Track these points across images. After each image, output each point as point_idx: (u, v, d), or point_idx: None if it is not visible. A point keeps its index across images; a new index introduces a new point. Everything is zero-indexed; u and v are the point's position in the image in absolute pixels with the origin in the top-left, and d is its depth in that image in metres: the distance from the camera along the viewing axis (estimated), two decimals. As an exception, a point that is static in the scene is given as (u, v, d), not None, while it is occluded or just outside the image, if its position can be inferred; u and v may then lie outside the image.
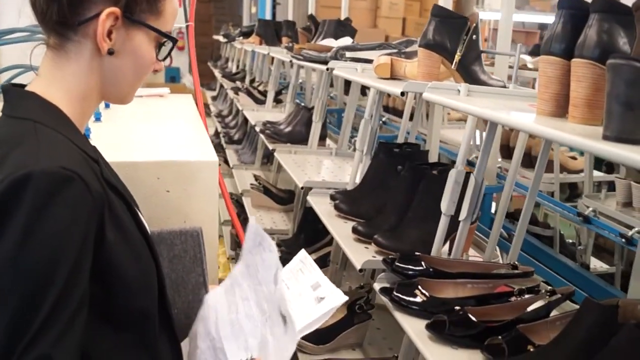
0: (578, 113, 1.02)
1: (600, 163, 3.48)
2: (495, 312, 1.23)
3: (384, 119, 4.65)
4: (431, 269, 1.46)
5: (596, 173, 3.18)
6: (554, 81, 1.10)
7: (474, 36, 1.77)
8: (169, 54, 1.14)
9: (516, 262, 1.50)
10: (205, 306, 1.30)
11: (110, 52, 1.04)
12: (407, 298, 1.35)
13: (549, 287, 1.32)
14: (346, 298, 1.22)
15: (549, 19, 9.41)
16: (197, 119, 2.66)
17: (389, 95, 4.73)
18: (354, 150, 3.14)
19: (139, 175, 1.77)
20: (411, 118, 2.51)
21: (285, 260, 2.64)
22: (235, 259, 3.75)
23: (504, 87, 1.77)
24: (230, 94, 5.05)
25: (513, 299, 1.29)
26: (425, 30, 1.80)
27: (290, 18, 6.26)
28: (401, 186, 1.89)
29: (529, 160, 3.58)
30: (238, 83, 5.25)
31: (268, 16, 7.29)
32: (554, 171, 3.14)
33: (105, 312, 0.99)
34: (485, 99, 1.41)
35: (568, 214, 2.97)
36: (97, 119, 2.19)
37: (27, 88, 1.06)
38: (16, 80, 2.10)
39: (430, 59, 1.77)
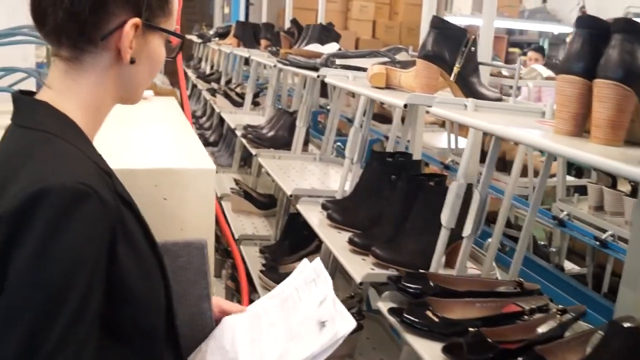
0: (601, 134, 1.02)
1: (570, 167, 3.57)
2: (509, 332, 1.22)
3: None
4: (438, 288, 1.44)
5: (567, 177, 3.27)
6: (573, 100, 1.09)
7: (473, 48, 1.77)
8: (180, 50, 1.16)
9: (521, 279, 1.50)
10: (221, 326, 1.27)
11: (132, 61, 1.03)
12: (419, 320, 1.33)
13: (560, 306, 1.32)
14: (354, 324, 1.13)
15: (517, 24, 9.53)
16: (185, 124, 2.62)
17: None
18: (337, 155, 3.15)
19: (136, 183, 1.73)
20: (389, 122, 2.51)
21: (270, 267, 2.63)
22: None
23: (501, 99, 1.78)
24: (207, 95, 4.99)
25: (525, 318, 1.29)
26: (424, 42, 1.79)
27: (264, 19, 6.22)
28: (397, 197, 1.87)
29: (502, 165, 3.64)
30: (214, 84, 5.19)
31: (242, 17, 7.23)
32: (527, 175, 3.19)
33: (113, 328, 0.96)
34: (492, 114, 1.40)
35: (543, 217, 3.06)
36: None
37: (36, 97, 1.03)
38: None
39: (429, 70, 1.77)
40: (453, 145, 3.97)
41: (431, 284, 1.46)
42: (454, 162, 3.83)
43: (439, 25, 1.78)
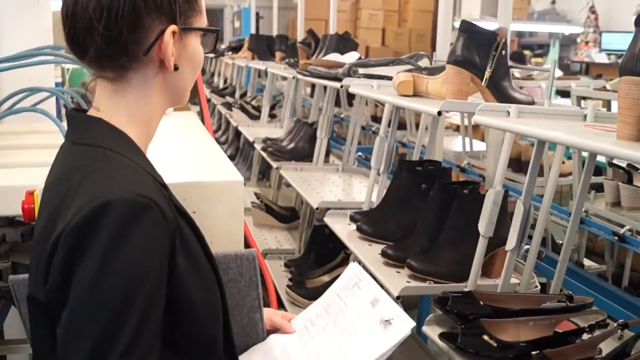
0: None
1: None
2: (571, 353, 1.17)
3: (373, 129, 4.61)
4: (489, 308, 1.38)
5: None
6: (640, 103, 1.04)
7: (503, 51, 1.73)
8: (216, 43, 1.12)
9: (570, 293, 1.44)
10: (268, 340, 1.27)
11: (176, 68, 1.02)
12: (476, 346, 1.27)
13: (620, 321, 1.26)
14: (414, 324, 1.14)
15: (528, 27, 9.47)
16: (207, 137, 2.60)
17: (376, 104, 4.70)
18: (359, 165, 3.11)
19: None
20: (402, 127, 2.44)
21: (297, 283, 2.58)
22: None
23: (533, 102, 1.73)
24: (222, 109, 4.97)
25: (585, 336, 1.23)
26: (453, 47, 1.75)
27: (274, 31, 6.22)
28: (429, 206, 1.83)
29: (518, 165, 3.60)
30: (229, 98, 5.17)
31: (252, 30, 7.23)
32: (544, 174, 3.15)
33: (172, 340, 0.96)
34: (536, 119, 1.36)
35: (562, 216, 3.07)
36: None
37: (91, 114, 1.04)
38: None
39: (460, 76, 1.72)
40: (468, 148, 3.94)
41: (481, 303, 1.40)
42: (470, 164, 3.80)
43: (468, 29, 1.74)
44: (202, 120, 2.67)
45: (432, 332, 1.41)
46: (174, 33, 1.00)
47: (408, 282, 1.67)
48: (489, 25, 1.85)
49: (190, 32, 1.04)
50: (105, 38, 0.96)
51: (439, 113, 1.58)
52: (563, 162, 3.38)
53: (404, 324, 1.14)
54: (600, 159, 2.81)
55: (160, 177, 1.03)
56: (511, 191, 2.84)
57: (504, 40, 1.73)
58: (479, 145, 4.08)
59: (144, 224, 0.88)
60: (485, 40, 1.73)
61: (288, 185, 3.23)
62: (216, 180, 1.93)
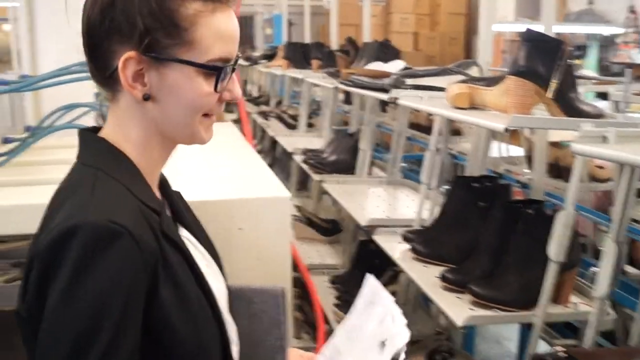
0: None
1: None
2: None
3: (408, 135, 4.48)
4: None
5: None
6: None
7: (570, 60, 1.62)
8: (218, 82, 0.97)
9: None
10: None
11: (146, 98, 0.95)
12: None
13: None
14: (408, 336, 1.08)
15: (566, 28, 9.30)
16: (249, 149, 2.55)
17: (412, 111, 4.57)
18: (403, 177, 3.01)
19: (211, 214, 1.75)
20: (428, 132, 2.32)
21: (345, 302, 2.49)
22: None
23: (602, 115, 1.62)
24: (258, 119, 4.91)
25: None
26: (515, 57, 1.64)
27: (307, 38, 6.14)
28: (490, 226, 1.72)
29: (557, 171, 3.45)
30: (264, 107, 5.11)
31: (284, 37, 7.16)
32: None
33: None
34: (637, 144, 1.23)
35: (604, 222, 2.89)
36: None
37: (100, 132, 1.02)
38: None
39: (523, 88, 1.61)
40: (504, 154, 3.80)
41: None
42: (507, 171, 3.66)
43: (531, 37, 1.63)
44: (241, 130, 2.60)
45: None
46: (139, 60, 0.93)
47: (472, 309, 1.56)
48: (526, 27, 1.73)
49: (169, 63, 0.94)
50: (87, 56, 0.98)
51: (506, 130, 1.48)
52: (602, 167, 3.25)
53: (396, 344, 1.07)
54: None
55: (156, 203, 0.99)
56: (551, 198, 2.73)
57: (570, 48, 1.62)
58: (515, 151, 3.94)
59: (112, 252, 0.85)
60: (550, 49, 1.61)
61: (325, 193, 3.14)
62: (262, 196, 1.89)
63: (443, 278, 1.69)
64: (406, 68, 2.58)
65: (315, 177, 3.00)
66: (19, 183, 1.95)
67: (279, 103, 5.14)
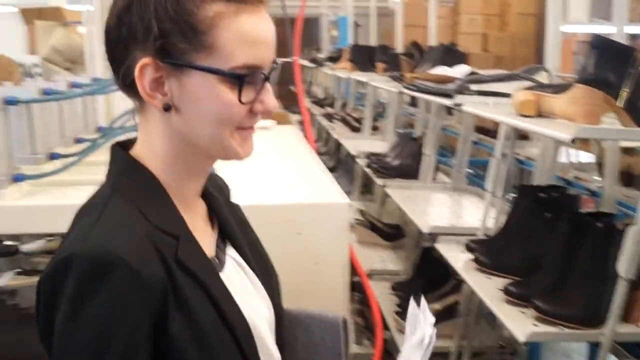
0: None
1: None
2: None
3: (474, 140, 4.39)
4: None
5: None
6: None
7: (641, 68, 1.55)
8: (253, 91, 0.89)
9: None
10: None
11: (166, 108, 0.88)
12: None
13: None
14: (433, 319, 1.05)
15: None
16: (310, 153, 2.55)
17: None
18: (469, 184, 2.95)
19: (270, 218, 1.80)
20: (495, 136, 2.27)
21: (404, 307, 2.46)
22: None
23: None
24: (322, 121, 4.92)
25: None
26: (583, 64, 1.59)
27: (372, 39, 6.10)
28: (557, 239, 1.67)
29: (628, 179, 3.30)
30: (328, 109, 5.12)
31: (350, 38, 7.15)
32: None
33: None
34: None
35: None
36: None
37: (132, 147, 0.96)
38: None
39: (591, 97, 1.56)
40: (574, 160, 3.66)
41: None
42: (576, 177, 3.52)
43: (600, 44, 1.57)
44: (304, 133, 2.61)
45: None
46: (157, 68, 0.86)
47: (535, 325, 1.52)
48: (600, 29, 1.67)
49: (188, 70, 0.87)
50: (109, 64, 0.92)
51: (573, 140, 1.43)
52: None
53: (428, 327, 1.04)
54: None
55: (177, 225, 0.91)
56: (622, 207, 2.61)
57: (642, 55, 1.55)
58: (585, 157, 3.79)
59: (108, 284, 0.81)
60: (621, 56, 1.55)
61: (389, 197, 3.11)
62: (321, 202, 1.90)
63: (506, 291, 1.65)
64: (472, 73, 2.53)
65: (379, 181, 2.98)
66: (88, 182, 2.02)
67: (344, 105, 5.14)
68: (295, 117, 7.30)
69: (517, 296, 1.62)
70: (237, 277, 0.99)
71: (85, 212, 0.91)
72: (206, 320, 0.88)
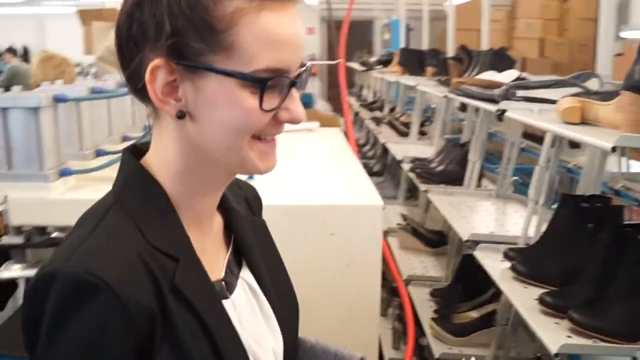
0: None
1: None
2: None
3: (522, 146, 4.30)
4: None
5: None
6: None
7: (693, 76, 1.49)
8: (277, 98, 0.81)
9: None
10: None
11: (180, 115, 0.80)
12: None
13: None
14: None
15: None
16: (351, 156, 2.55)
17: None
18: (515, 191, 2.89)
19: (303, 219, 1.83)
20: (541, 141, 2.21)
21: (442, 316, 2.43)
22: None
23: None
24: (371, 125, 4.91)
25: None
26: (630, 71, 1.54)
27: (425, 43, 6.06)
28: (597, 250, 1.62)
29: None
30: (377, 113, 5.10)
31: (402, 42, 7.11)
32: None
33: None
34: None
35: None
36: (250, 177, 2.13)
37: (148, 154, 0.89)
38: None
39: (637, 104, 1.51)
40: (624, 169, 3.54)
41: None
42: (625, 187, 3.40)
43: (648, 51, 1.52)
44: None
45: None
46: (170, 71, 0.79)
47: (569, 337, 1.48)
48: None
49: (204, 73, 0.78)
50: (120, 66, 0.84)
51: (613, 149, 1.38)
52: None
53: None
54: None
55: (179, 246, 0.83)
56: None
57: (694, 62, 1.50)
58: (637, 166, 3.66)
59: (87, 308, 0.74)
60: (670, 63, 1.50)
61: (431, 202, 3.08)
62: (355, 203, 1.91)
63: (542, 301, 1.61)
64: (519, 78, 2.48)
65: (422, 186, 2.95)
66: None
67: (393, 109, 5.11)
68: (343, 121, 7.31)
69: (552, 306, 1.58)
70: (246, 302, 0.92)
71: (81, 223, 0.84)
72: (196, 355, 0.80)
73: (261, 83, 0.78)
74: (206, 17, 0.77)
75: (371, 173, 4.79)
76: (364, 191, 1.90)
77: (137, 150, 0.89)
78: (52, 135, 2.18)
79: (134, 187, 0.85)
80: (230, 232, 0.96)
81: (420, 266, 3.14)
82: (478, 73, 2.90)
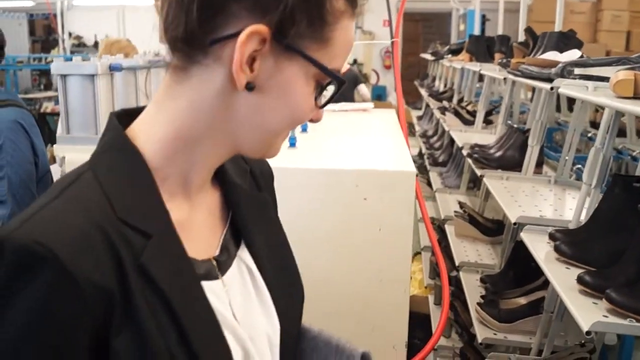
0: None
1: None
2: None
3: (589, 135, 4.13)
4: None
5: None
6: None
7: None
8: (332, 99, 0.83)
9: None
10: None
11: (250, 88, 0.76)
12: None
13: None
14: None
15: None
16: (398, 133, 2.53)
17: (597, 109, 4.20)
18: (577, 179, 2.78)
19: (338, 183, 1.89)
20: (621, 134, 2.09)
21: (489, 301, 2.37)
22: (433, 288, 3.51)
23: None
24: (437, 113, 4.83)
25: None
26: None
27: (499, 33, 5.90)
28: (644, 231, 1.53)
29: None
30: (445, 102, 5.02)
31: (477, 33, 6.96)
32: None
33: None
34: None
35: None
36: (292, 144, 2.13)
37: (138, 118, 0.83)
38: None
39: (693, 75, 1.41)
40: None
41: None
42: None
43: None
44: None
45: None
46: (263, 40, 0.75)
47: (605, 316, 1.40)
48: None
49: (293, 56, 0.77)
50: (179, 7, 0.76)
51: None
52: None
53: None
54: None
55: (153, 222, 0.77)
56: None
57: None
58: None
59: (32, 280, 0.68)
60: None
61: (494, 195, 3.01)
62: (388, 169, 1.92)
63: (580, 280, 1.54)
64: (581, 57, 2.38)
65: (479, 171, 2.88)
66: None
67: (461, 99, 5.01)
68: (415, 113, 7.22)
69: (591, 286, 1.51)
70: (240, 284, 0.87)
71: (49, 190, 0.78)
72: (160, 343, 0.73)
73: (339, 81, 0.81)
74: (323, 7, 0.78)
75: (436, 163, 4.72)
76: (398, 159, 1.90)
77: (126, 116, 0.85)
78: (107, 101, 2.25)
79: (111, 155, 0.80)
80: (230, 208, 0.91)
81: (475, 254, 3.06)
82: (542, 54, 2.80)
